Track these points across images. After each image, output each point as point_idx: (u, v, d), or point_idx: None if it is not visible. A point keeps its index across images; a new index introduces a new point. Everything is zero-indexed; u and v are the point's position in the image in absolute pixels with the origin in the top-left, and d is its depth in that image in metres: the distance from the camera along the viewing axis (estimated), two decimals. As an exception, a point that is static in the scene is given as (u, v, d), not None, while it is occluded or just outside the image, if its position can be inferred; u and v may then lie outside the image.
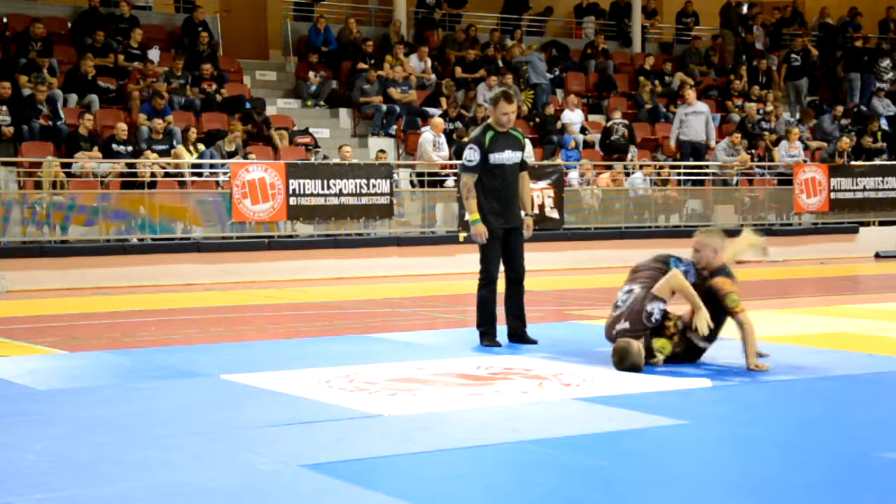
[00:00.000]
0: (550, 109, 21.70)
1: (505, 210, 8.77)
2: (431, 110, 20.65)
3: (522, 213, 8.97)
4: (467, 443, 5.43)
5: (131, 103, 18.52)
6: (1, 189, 15.95)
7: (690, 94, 21.39)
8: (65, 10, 21.11)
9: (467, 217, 8.85)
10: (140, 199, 16.42)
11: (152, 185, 16.63)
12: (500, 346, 8.71)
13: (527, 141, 9.28)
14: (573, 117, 21.54)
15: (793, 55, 25.67)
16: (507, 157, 8.75)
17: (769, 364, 7.45)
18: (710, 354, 7.83)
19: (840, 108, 24.01)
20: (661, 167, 20.86)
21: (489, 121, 8.89)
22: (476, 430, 5.71)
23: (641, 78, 23.62)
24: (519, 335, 8.90)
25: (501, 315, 8.96)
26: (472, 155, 8.71)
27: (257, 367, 7.74)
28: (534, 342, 8.80)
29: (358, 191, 17.34)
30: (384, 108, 20.51)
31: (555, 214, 18.56)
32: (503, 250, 8.83)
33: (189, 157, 17.22)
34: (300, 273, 16.60)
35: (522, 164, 8.90)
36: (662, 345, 7.46)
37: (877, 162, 22.35)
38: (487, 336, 8.81)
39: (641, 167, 20.38)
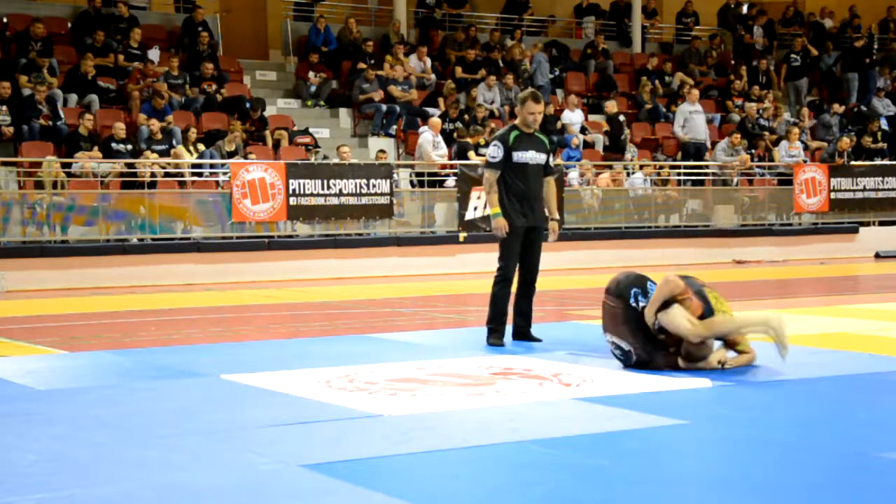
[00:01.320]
0: (550, 109, 21.70)
1: (527, 209, 8.84)
2: (431, 110, 20.66)
3: (548, 215, 9.09)
4: (467, 443, 5.43)
5: (131, 103, 18.53)
6: (1, 189, 15.96)
7: (694, 93, 21.45)
8: (64, 10, 21.12)
9: (489, 212, 8.93)
10: (140, 199, 16.43)
11: (152, 185, 16.64)
12: (504, 345, 8.71)
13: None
14: (573, 118, 21.55)
15: (793, 55, 25.68)
16: (531, 156, 8.82)
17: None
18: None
19: (837, 106, 24.01)
20: (661, 167, 20.87)
21: (516, 121, 8.99)
22: (476, 430, 5.71)
23: (644, 78, 23.61)
24: (523, 334, 8.93)
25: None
26: (495, 151, 8.81)
27: (257, 367, 7.74)
28: (538, 340, 8.86)
29: (358, 191, 17.35)
30: (384, 107, 20.52)
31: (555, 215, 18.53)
32: (521, 250, 8.88)
33: (189, 157, 17.22)
34: (300, 273, 16.61)
35: (548, 169, 8.98)
36: None
37: (877, 162, 22.35)
38: (495, 334, 8.83)
39: (641, 167, 20.39)
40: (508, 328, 8.95)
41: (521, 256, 8.91)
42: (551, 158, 9.08)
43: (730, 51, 26.66)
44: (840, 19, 28.13)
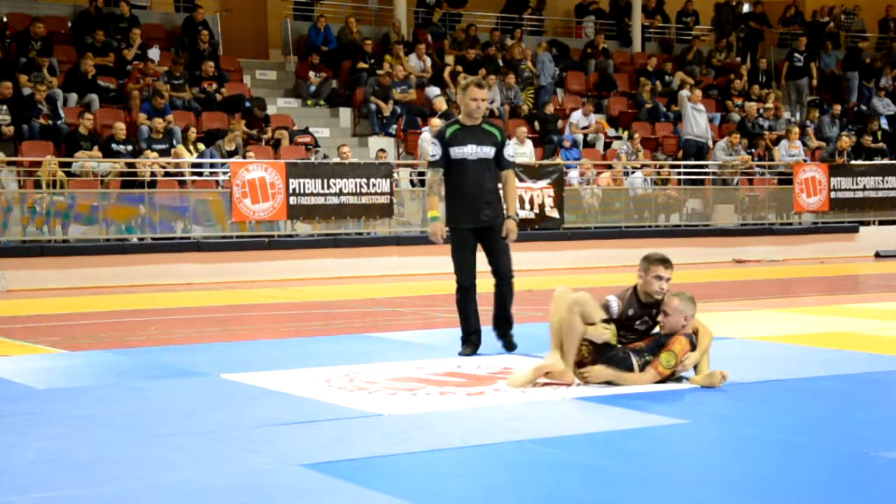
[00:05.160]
0: (550, 109, 21.71)
1: (469, 209, 8.15)
2: (435, 97, 20.69)
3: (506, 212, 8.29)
4: (467, 443, 5.43)
5: (131, 102, 18.53)
6: (1, 189, 15.95)
7: (697, 93, 21.49)
8: (65, 9, 21.12)
9: (428, 216, 8.28)
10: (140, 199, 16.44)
11: (152, 184, 16.63)
12: (473, 354, 8.19)
13: (512, 141, 8.36)
14: (581, 121, 21.50)
15: (796, 54, 25.68)
16: (470, 151, 8.10)
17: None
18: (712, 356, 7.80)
19: (838, 107, 23.99)
20: (661, 167, 20.88)
21: (459, 114, 8.35)
22: (476, 430, 5.71)
23: (642, 78, 23.60)
24: (502, 338, 8.35)
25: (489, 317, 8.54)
26: (434, 150, 8.20)
27: (257, 366, 7.74)
28: (513, 347, 8.29)
29: (358, 190, 17.35)
30: (373, 106, 20.51)
31: (555, 214, 18.56)
32: (485, 253, 8.26)
33: (189, 157, 17.22)
34: (300, 273, 16.60)
35: (502, 162, 8.18)
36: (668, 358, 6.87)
37: (877, 161, 22.35)
38: (464, 344, 8.28)
39: (642, 167, 20.39)
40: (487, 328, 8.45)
41: (487, 257, 8.25)
42: (507, 150, 8.22)
43: (724, 49, 26.64)
44: (840, 19, 28.13)
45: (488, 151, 8.14)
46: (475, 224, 8.18)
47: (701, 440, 5.63)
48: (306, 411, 6.18)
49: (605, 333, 6.83)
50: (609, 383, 6.79)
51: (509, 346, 8.33)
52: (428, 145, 18.99)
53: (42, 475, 4.84)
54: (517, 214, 8.38)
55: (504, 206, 8.27)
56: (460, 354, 8.19)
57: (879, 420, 5.99)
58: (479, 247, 8.28)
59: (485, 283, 8.34)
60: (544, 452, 5.21)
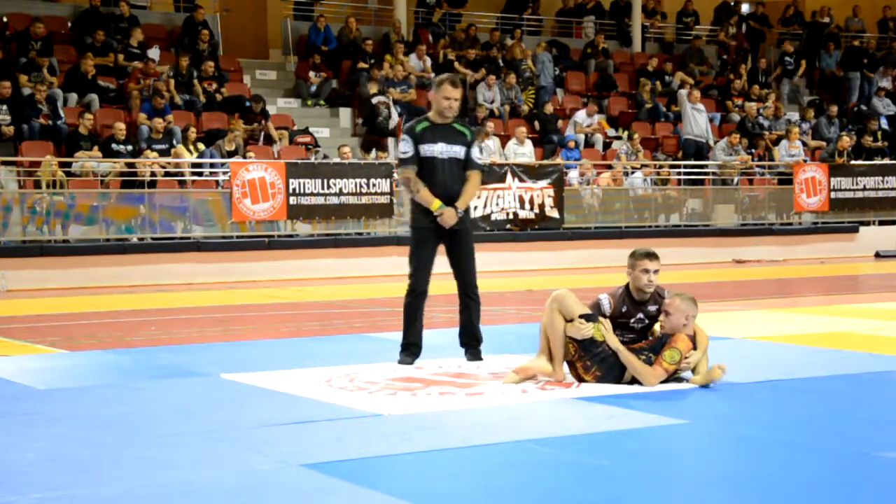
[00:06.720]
0: (550, 109, 21.70)
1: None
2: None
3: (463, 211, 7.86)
4: (467, 443, 5.43)
5: (131, 102, 18.52)
6: (1, 189, 15.95)
7: (695, 93, 21.50)
8: (65, 9, 21.12)
9: (433, 210, 7.71)
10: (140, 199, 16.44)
11: (152, 184, 16.63)
12: (411, 364, 7.85)
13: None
14: (585, 120, 21.49)
15: (786, 58, 25.66)
16: (440, 150, 7.77)
17: None
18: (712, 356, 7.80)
19: (835, 108, 23.95)
20: (661, 167, 20.88)
21: (430, 111, 8.02)
22: (476, 430, 5.71)
23: (642, 78, 23.59)
24: (471, 353, 8.01)
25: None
26: (405, 146, 7.82)
27: (257, 366, 7.75)
28: (479, 359, 7.96)
29: (358, 190, 17.35)
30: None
31: (555, 214, 18.56)
32: (449, 258, 7.92)
33: (189, 157, 17.21)
34: (300, 273, 16.60)
35: (469, 163, 7.83)
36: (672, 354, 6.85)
37: (877, 161, 22.35)
38: (403, 350, 7.93)
39: (641, 167, 20.39)
40: (461, 343, 8.10)
41: (451, 265, 7.90)
42: (475, 151, 7.88)
43: (732, 47, 26.65)
44: (840, 19, 28.13)
45: (458, 151, 7.81)
46: (441, 226, 7.78)
47: (701, 440, 5.63)
48: (306, 411, 6.19)
49: (586, 331, 6.87)
50: (613, 377, 6.83)
51: (475, 356, 7.98)
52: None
53: (42, 475, 4.84)
54: (465, 213, 7.84)
55: (467, 207, 7.86)
56: (400, 363, 7.85)
57: (879, 420, 6.00)
58: (438, 252, 7.91)
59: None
60: (544, 452, 5.22)
